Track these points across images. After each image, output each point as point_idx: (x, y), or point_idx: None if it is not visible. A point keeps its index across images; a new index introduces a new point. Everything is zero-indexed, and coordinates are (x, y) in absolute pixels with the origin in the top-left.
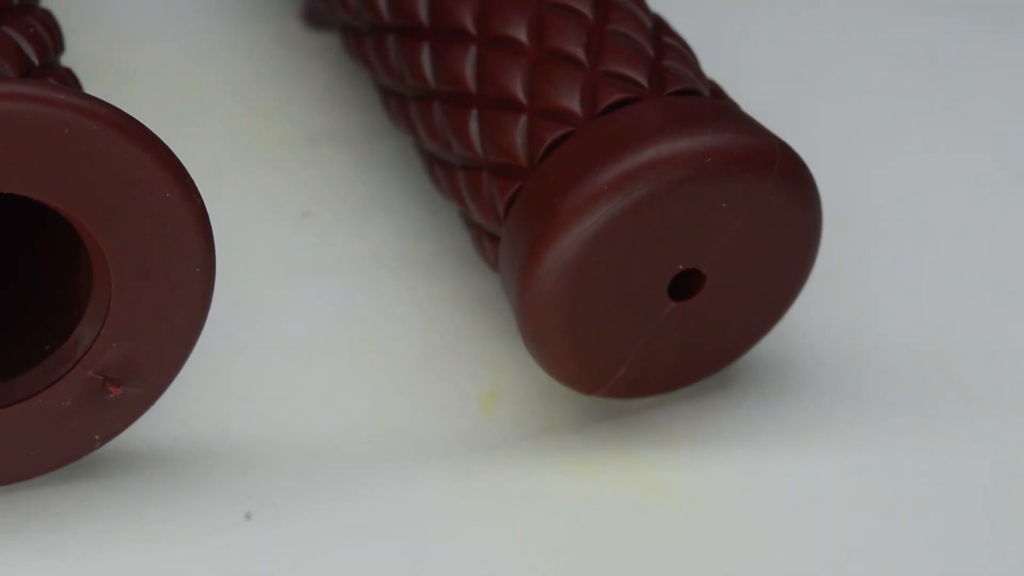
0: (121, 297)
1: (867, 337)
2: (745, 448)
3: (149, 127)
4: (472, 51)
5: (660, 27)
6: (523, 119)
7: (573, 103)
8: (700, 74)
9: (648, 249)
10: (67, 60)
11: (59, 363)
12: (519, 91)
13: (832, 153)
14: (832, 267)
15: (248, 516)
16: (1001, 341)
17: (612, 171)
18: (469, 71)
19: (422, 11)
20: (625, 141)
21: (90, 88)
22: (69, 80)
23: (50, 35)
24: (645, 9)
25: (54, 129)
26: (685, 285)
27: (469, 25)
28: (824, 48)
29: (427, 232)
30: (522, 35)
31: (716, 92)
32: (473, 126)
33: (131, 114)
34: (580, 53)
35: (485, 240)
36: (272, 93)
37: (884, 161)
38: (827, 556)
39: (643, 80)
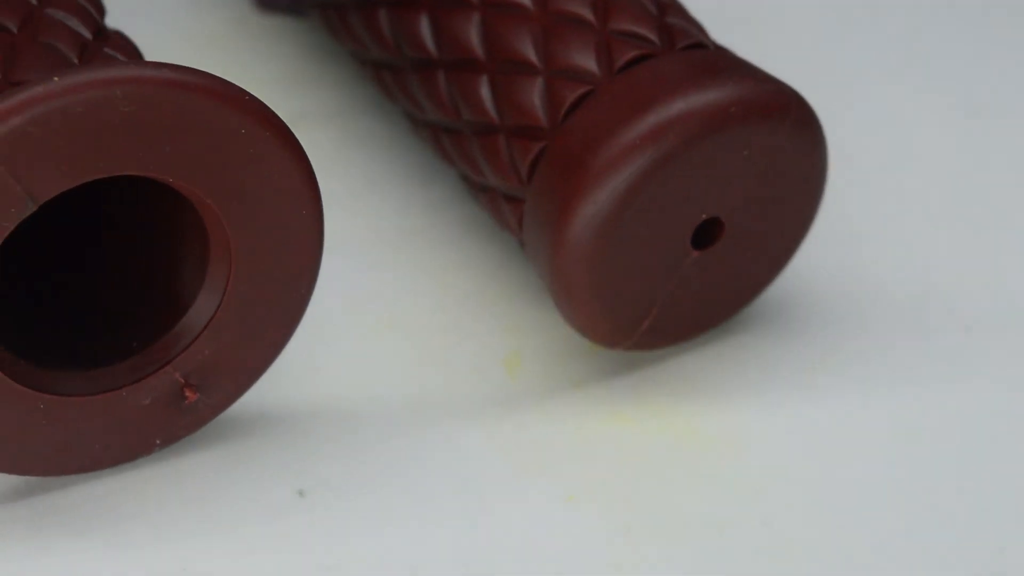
0: (234, 295)
1: (861, 276)
2: (767, 389)
3: None
4: (476, 18)
5: None
6: (539, 81)
7: (589, 62)
8: (701, 29)
9: (675, 200)
10: None
11: (150, 360)
12: (531, 53)
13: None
14: (824, 209)
15: (301, 493)
16: (985, 271)
17: (643, 124)
18: (475, 37)
19: None
20: (652, 95)
21: None
22: (126, 45)
23: (91, 3)
24: None
25: (181, 110)
26: (705, 234)
27: None
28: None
29: (423, 204)
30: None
31: (717, 46)
32: (484, 92)
33: None
34: (587, 14)
35: (503, 203)
36: (238, 79)
37: (852, 106)
38: (859, 488)
39: (654, 37)
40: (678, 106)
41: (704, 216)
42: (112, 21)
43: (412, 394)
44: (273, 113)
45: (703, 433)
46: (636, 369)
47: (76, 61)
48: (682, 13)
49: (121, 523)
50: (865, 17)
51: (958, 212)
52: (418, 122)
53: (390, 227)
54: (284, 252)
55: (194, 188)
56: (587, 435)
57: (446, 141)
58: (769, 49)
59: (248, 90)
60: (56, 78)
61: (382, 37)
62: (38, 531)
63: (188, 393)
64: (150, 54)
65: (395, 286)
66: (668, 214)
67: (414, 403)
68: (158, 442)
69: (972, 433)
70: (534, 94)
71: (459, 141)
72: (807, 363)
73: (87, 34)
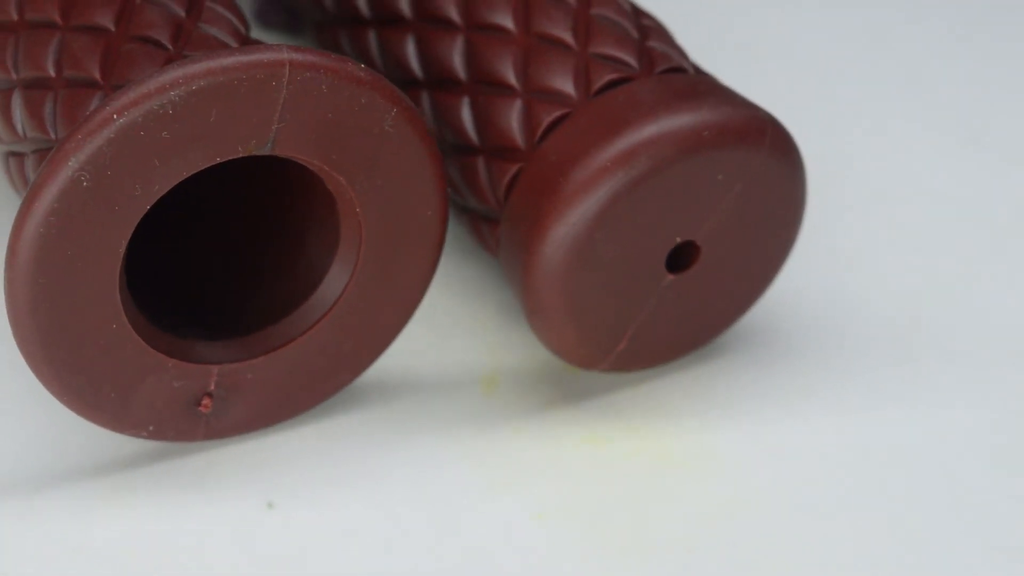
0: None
1: (844, 301)
2: (743, 412)
3: None
4: (459, 40)
5: (637, 11)
6: (518, 103)
7: (567, 85)
8: (683, 53)
9: (648, 223)
10: None
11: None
12: (510, 75)
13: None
14: (806, 233)
15: (271, 505)
16: (971, 298)
17: (615, 147)
18: (458, 59)
19: (404, 4)
20: (625, 118)
21: None
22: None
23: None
24: None
25: (315, 91)
26: (681, 257)
27: (454, 15)
28: (778, 19)
29: None
30: (508, 22)
31: (698, 70)
32: (465, 113)
33: None
34: (568, 37)
35: (482, 224)
36: None
37: (845, 129)
38: (831, 511)
39: (632, 61)
40: (650, 130)
41: (679, 240)
42: None
43: (388, 408)
44: (409, 102)
45: (676, 455)
46: (613, 391)
47: (234, 44)
48: (664, 38)
49: (91, 536)
50: (862, 43)
51: (946, 239)
52: None
53: None
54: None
55: (335, 172)
56: (560, 454)
57: None
58: (764, 75)
59: None
60: (228, 54)
61: (370, 57)
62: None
63: (205, 401)
64: None
65: None
66: (641, 237)
67: (389, 417)
68: (151, 428)
69: (950, 461)
70: (512, 116)
71: None
72: (785, 388)
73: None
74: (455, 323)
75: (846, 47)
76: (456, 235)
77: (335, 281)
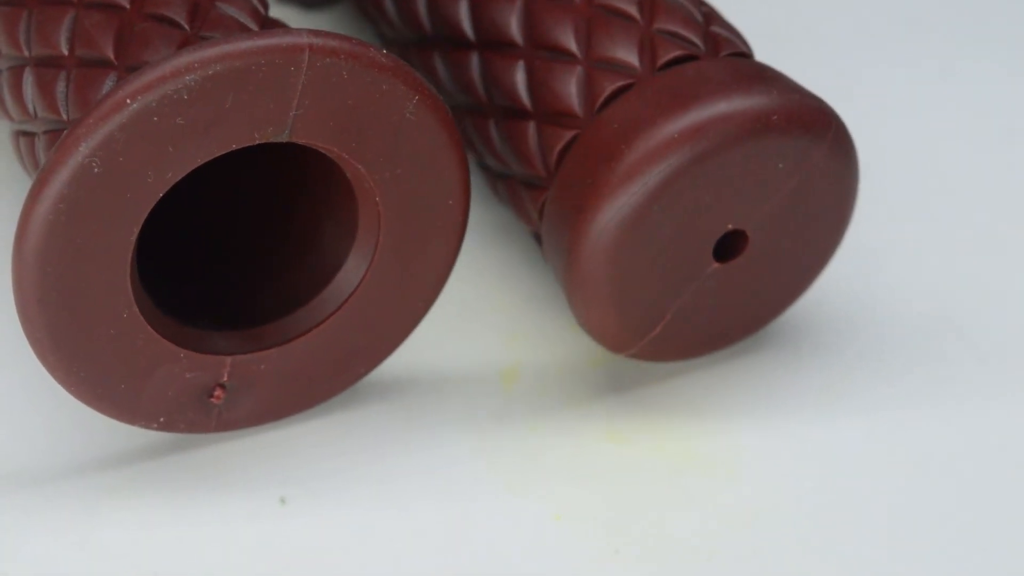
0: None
1: (876, 298)
2: (770, 413)
3: None
4: (519, 4)
5: None
6: (578, 69)
7: (631, 56)
8: (746, 42)
9: (704, 205)
10: None
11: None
12: (571, 42)
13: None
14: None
15: (283, 501)
16: (1006, 300)
17: (684, 120)
18: (515, 22)
19: None
20: (695, 92)
21: None
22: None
23: None
24: None
25: (355, 79)
26: (728, 246)
27: None
28: (827, 11)
29: None
30: None
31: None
32: (519, 76)
33: None
34: (633, 10)
35: (524, 192)
36: None
37: (877, 124)
38: (856, 517)
39: (699, 41)
40: (721, 106)
41: (730, 227)
42: None
43: (406, 401)
44: (432, 89)
45: (699, 456)
46: (637, 387)
47: (255, 27)
48: (727, 25)
49: (94, 526)
50: (896, 34)
51: (985, 240)
52: None
53: None
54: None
55: (352, 159)
56: (580, 452)
57: (469, 125)
58: (800, 66)
59: None
60: (246, 38)
61: (416, 17)
62: None
63: (218, 392)
64: None
65: None
66: (694, 219)
67: (407, 410)
68: (161, 420)
69: (980, 466)
70: (571, 82)
71: (483, 125)
72: (816, 388)
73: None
74: (478, 312)
75: (880, 39)
76: (486, 220)
77: (352, 272)
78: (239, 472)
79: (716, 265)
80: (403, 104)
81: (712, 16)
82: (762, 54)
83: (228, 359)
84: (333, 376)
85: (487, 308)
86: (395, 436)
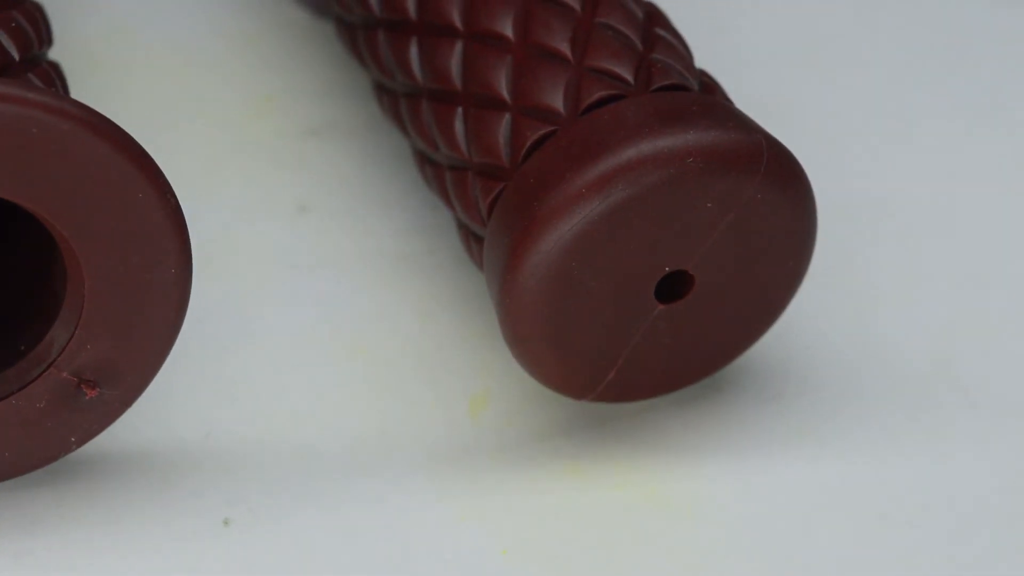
0: (94, 298)
1: (866, 339)
2: (740, 454)
3: (139, 120)
4: (458, 47)
5: (653, 17)
6: (507, 118)
7: (556, 101)
8: (690, 67)
9: (632, 251)
10: (62, 53)
11: (33, 364)
12: (503, 88)
13: (833, 145)
14: (829, 265)
15: (226, 522)
16: (1002, 343)
17: (591, 173)
18: (455, 68)
19: (411, 5)
20: (605, 141)
21: (85, 81)
22: (53, 75)
23: (34, 28)
24: None
25: (23, 128)
26: (675, 287)
27: (456, 20)
28: (824, 31)
29: (425, 229)
30: (508, 30)
31: (707, 86)
32: (458, 125)
33: (126, 106)
34: (565, 48)
35: (472, 241)
36: (271, 84)
37: (884, 155)
38: (823, 565)
39: (629, 76)
40: (628, 154)
41: (667, 269)
42: (157, 21)
43: (367, 426)
44: (137, 143)
45: (660, 495)
46: (607, 423)
47: None
48: (671, 49)
49: (35, 543)
50: (899, 68)
51: (979, 278)
52: (411, 147)
53: (388, 250)
54: (142, 264)
55: (38, 209)
56: (537, 486)
57: (428, 171)
58: (806, 89)
59: (275, 95)
60: None
61: (380, 60)
62: None
63: (87, 390)
64: (186, 60)
65: (378, 311)
66: (626, 265)
67: (367, 435)
68: (73, 440)
69: (959, 516)
70: (500, 131)
71: (438, 173)
72: (790, 429)
73: (15, 55)
74: (452, 338)
75: (878, 67)
76: (459, 244)
77: (59, 336)
78: (183, 491)
79: (662, 307)
80: (102, 159)
81: (658, 40)
82: (733, 77)
83: None
84: (40, 446)
85: (466, 335)
86: (347, 461)
